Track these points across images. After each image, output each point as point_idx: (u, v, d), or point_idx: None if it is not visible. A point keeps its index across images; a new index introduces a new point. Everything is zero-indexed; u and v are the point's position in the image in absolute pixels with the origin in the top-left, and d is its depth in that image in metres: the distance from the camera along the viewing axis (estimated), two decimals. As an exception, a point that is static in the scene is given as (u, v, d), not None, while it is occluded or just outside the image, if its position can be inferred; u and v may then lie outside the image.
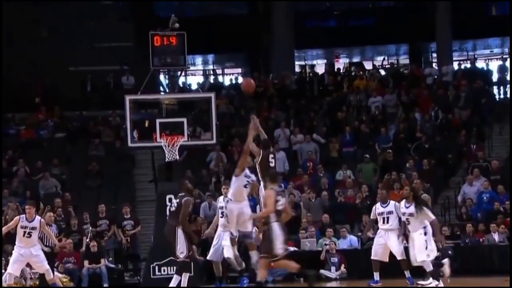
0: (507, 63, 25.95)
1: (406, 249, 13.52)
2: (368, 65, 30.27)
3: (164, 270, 15.70)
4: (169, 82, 19.26)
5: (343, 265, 17.20)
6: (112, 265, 17.56)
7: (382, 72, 27.66)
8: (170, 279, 14.61)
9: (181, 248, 13.07)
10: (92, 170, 21.42)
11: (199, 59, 31.96)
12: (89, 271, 16.85)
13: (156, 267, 15.83)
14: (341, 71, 28.21)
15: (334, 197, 19.68)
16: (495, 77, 25.95)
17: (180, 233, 13.02)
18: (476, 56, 31.05)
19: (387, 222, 13.59)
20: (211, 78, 29.08)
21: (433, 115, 23.08)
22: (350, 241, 18.01)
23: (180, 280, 13.21)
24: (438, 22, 27.48)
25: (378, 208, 13.86)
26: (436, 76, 25.52)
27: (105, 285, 16.83)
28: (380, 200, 14.16)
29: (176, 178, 16.14)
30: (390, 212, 13.60)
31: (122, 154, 21.74)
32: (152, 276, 15.85)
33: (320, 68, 28.76)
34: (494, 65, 29.17)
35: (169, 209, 13.67)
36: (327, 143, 22.44)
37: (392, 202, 13.76)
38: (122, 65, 25.44)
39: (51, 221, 14.77)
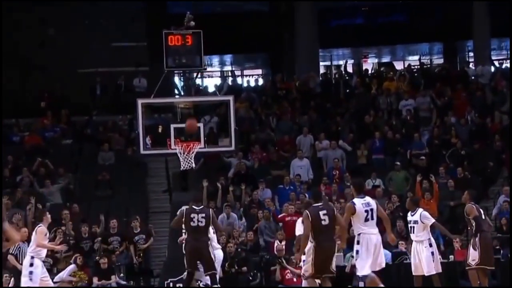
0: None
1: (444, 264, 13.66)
2: (399, 66, 30.21)
3: (179, 287, 15.66)
4: (184, 85, 19.30)
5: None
6: (124, 282, 17.55)
7: (414, 73, 27.56)
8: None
9: (218, 266, 13.19)
10: (102, 179, 21.49)
11: (216, 60, 32.07)
12: (99, 288, 16.93)
13: (171, 284, 15.80)
14: (370, 72, 28.15)
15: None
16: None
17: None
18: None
19: (413, 232, 13.65)
20: (229, 80, 29.18)
21: (469, 119, 23.02)
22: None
23: None
24: (475, 18, 27.40)
25: (408, 216, 13.92)
26: (473, 77, 25.43)
27: None
28: (408, 208, 14.18)
29: (192, 188, 16.20)
30: (415, 222, 13.63)
31: (134, 162, 21.83)
32: None
33: (347, 69, 28.75)
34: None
35: (195, 225, 13.56)
36: (354, 150, 22.44)
37: (419, 211, 13.77)
38: (135, 67, 25.56)
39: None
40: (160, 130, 18.80)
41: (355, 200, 12.24)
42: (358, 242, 12.12)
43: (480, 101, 23.80)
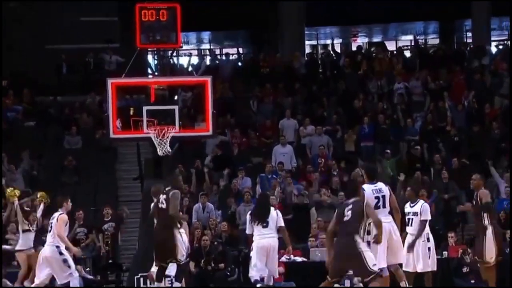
0: None
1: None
2: (391, 46, 30.11)
3: (150, 283, 15.49)
4: (159, 63, 19.12)
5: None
6: (90, 276, 17.39)
7: (408, 54, 27.48)
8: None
9: (182, 250, 12.92)
10: (67, 165, 21.30)
11: (193, 37, 31.85)
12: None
13: (141, 279, 15.66)
14: (359, 52, 28.08)
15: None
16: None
17: (176, 233, 12.89)
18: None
19: (411, 225, 13.49)
20: (208, 59, 28.99)
21: (467, 104, 22.96)
22: (371, 250, 17.91)
23: None
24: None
25: (406, 207, 13.71)
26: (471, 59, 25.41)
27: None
28: (408, 198, 14.01)
29: (166, 175, 15.93)
30: (415, 214, 13.49)
31: (102, 146, 21.60)
32: None
33: (334, 49, 28.62)
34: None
35: (158, 207, 13.36)
36: (341, 136, 22.30)
37: (420, 202, 13.62)
38: (105, 43, 25.29)
39: None
40: (131, 112, 18.59)
41: (365, 186, 12.10)
42: (368, 232, 11.79)
43: (478, 85, 23.70)
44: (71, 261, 13.76)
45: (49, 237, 13.74)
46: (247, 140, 22.25)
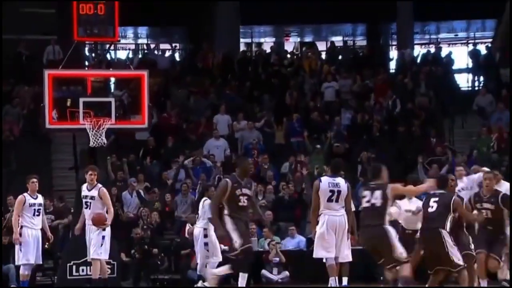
0: (481, 47, 26.09)
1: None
2: (321, 46, 30.07)
3: (83, 270, 15.25)
4: (95, 56, 18.67)
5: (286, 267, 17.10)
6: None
7: (337, 54, 27.45)
8: (89, 280, 14.18)
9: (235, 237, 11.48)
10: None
11: (130, 32, 31.32)
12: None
13: (74, 267, 15.38)
14: (291, 50, 27.96)
15: (278, 191, 19.38)
16: (462, 64, 26.18)
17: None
18: (439, 40, 31.21)
19: None
20: (141, 53, 28.54)
21: (391, 104, 22.98)
22: (298, 242, 17.88)
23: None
24: (398, 0, 27.42)
25: None
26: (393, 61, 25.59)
27: (13, 286, 16.00)
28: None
29: (101, 165, 15.71)
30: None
31: (38, 137, 20.97)
32: (68, 277, 15.41)
33: (268, 47, 28.48)
34: (458, 51, 29.34)
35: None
36: (272, 131, 22.12)
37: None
38: (42, 35, 24.62)
39: None
40: (68, 103, 18.12)
41: (323, 177, 11.94)
42: (317, 222, 11.72)
43: (401, 85, 23.74)
44: None
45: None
46: (182, 133, 21.86)
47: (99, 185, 13.69)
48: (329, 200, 11.70)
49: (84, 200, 13.69)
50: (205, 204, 14.19)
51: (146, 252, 17.13)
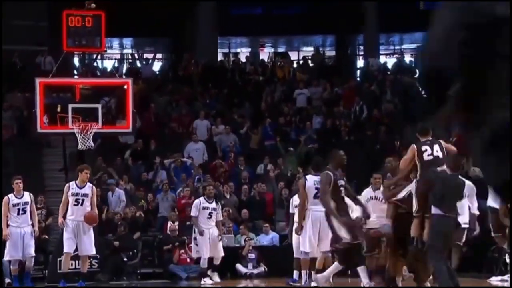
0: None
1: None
2: (294, 56, 30.56)
3: (72, 264, 15.27)
4: (83, 65, 19.08)
5: (261, 262, 17.37)
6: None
7: (308, 63, 27.98)
8: (78, 273, 14.56)
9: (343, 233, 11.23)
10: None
11: (116, 42, 31.65)
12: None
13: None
14: (266, 60, 28.36)
15: (253, 191, 19.82)
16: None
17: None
18: (403, 50, 31.79)
19: None
20: (127, 63, 28.84)
21: (358, 110, 23.55)
22: (272, 238, 18.22)
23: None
24: (365, 13, 27.96)
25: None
26: (360, 69, 26.04)
27: (7, 280, 15.94)
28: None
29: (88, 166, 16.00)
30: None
31: (31, 140, 21.33)
32: (58, 271, 15.57)
33: (243, 57, 28.90)
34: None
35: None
36: (247, 135, 22.56)
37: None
38: (35, 45, 24.96)
39: None
40: (58, 109, 18.51)
41: (308, 176, 12.13)
42: (304, 218, 11.85)
43: (368, 93, 24.34)
44: None
45: None
46: (164, 136, 22.29)
47: (90, 184, 14.06)
48: (315, 197, 11.88)
49: (74, 198, 13.92)
50: (294, 201, 13.62)
51: (129, 248, 17.43)
